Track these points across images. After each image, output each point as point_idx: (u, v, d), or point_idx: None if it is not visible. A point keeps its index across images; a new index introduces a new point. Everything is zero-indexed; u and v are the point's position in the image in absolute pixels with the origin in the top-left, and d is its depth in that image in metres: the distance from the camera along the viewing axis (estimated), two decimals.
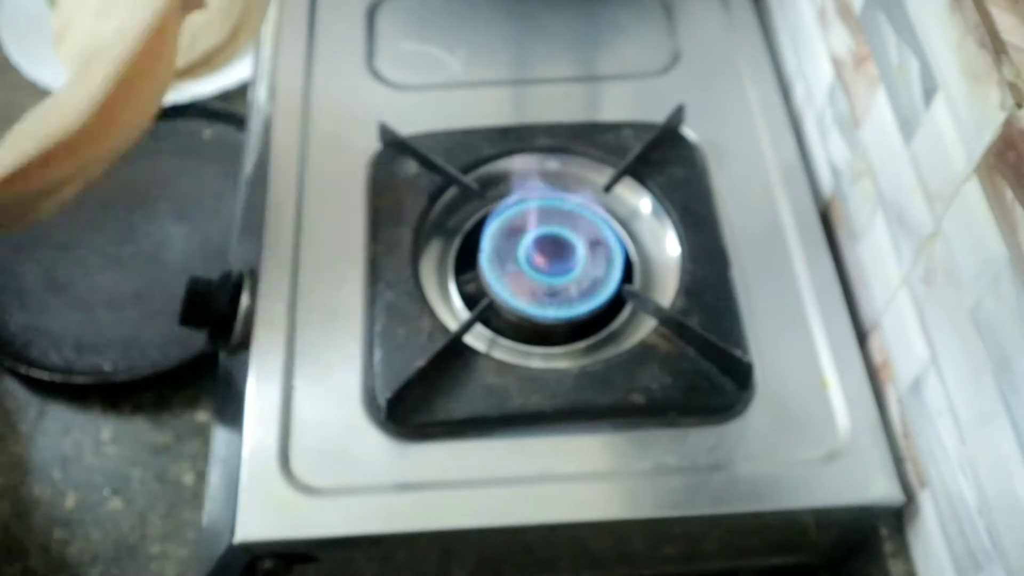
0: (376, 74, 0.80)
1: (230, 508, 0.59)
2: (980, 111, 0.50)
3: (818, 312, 0.67)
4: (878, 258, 0.65)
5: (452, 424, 0.61)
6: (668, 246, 0.70)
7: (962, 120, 0.52)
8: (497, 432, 0.62)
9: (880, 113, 0.63)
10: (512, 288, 0.65)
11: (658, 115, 0.74)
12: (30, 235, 0.87)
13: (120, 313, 0.83)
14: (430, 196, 0.71)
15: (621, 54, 0.82)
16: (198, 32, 0.68)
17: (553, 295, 0.65)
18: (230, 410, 0.66)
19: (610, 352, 0.64)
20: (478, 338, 0.66)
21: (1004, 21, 0.49)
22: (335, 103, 0.78)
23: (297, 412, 0.62)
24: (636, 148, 0.72)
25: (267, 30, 0.85)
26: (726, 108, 0.77)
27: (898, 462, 0.62)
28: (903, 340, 0.62)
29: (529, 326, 0.66)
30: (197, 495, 0.76)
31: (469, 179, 0.72)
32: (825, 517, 0.62)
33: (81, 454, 0.78)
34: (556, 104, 0.78)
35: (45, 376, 0.80)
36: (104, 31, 0.59)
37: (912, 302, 0.60)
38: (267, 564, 0.60)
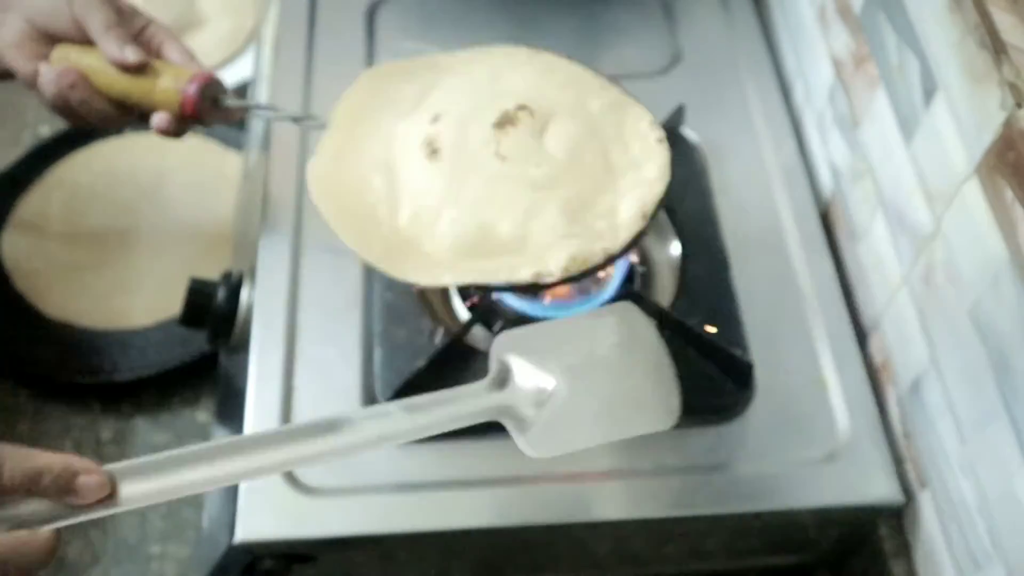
0: None
1: (230, 508, 0.59)
2: (980, 111, 0.50)
3: (818, 312, 0.67)
4: (878, 258, 0.65)
5: None
6: (668, 246, 0.70)
7: (962, 120, 0.52)
8: (497, 432, 0.61)
9: (880, 113, 0.63)
10: (513, 289, 0.65)
11: (658, 115, 0.74)
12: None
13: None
14: None
15: (621, 54, 0.82)
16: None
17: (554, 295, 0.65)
18: (230, 410, 0.66)
19: None
20: (478, 338, 0.66)
21: (1004, 21, 0.49)
22: (335, 103, 0.77)
23: (297, 412, 0.62)
24: None
25: (267, 30, 0.85)
26: (726, 108, 0.77)
27: (898, 462, 0.62)
28: (903, 340, 0.62)
29: None
30: (197, 495, 0.76)
31: None
32: (825, 517, 0.62)
33: (81, 454, 0.78)
34: None
35: (45, 376, 0.81)
36: None
37: (912, 302, 0.60)
38: (267, 564, 0.60)
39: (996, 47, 0.48)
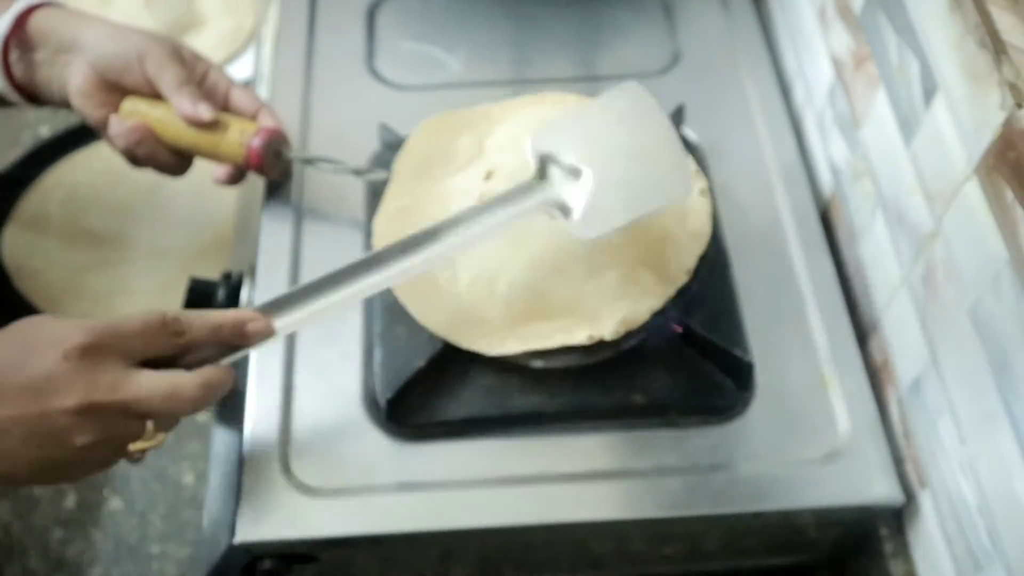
0: (376, 74, 0.80)
1: (230, 508, 0.59)
2: (980, 111, 0.50)
3: (818, 312, 0.67)
4: (878, 258, 0.65)
5: (452, 424, 0.61)
6: None
7: (962, 120, 0.52)
8: (497, 432, 0.62)
9: (880, 113, 0.63)
10: None
11: None
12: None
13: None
14: None
15: (621, 54, 0.82)
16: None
17: None
18: (230, 410, 0.66)
19: (610, 352, 0.64)
20: None
21: (1004, 21, 0.49)
22: (335, 103, 0.78)
23: (297, 412, 0.62)
24: None
25: (267, 30, 0.85)
26: (726, 108, 0.77)
27: (898, 462, 0.62)
28: (903, 340, 0.62)
29: None
30: (197, 495, 0.76)
31: None
32: (825, 517, 0.62)
33: None
34: None
35: None
36: None
37: (912, 302, 0.60)
38: (267, 564, 0.60)
39: (996, 47, 0.48)
